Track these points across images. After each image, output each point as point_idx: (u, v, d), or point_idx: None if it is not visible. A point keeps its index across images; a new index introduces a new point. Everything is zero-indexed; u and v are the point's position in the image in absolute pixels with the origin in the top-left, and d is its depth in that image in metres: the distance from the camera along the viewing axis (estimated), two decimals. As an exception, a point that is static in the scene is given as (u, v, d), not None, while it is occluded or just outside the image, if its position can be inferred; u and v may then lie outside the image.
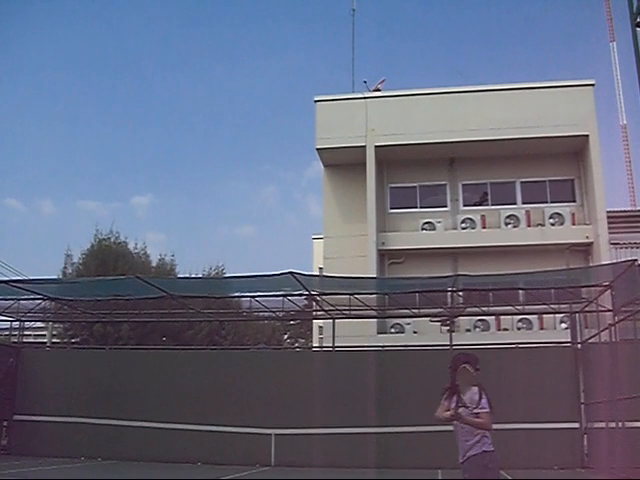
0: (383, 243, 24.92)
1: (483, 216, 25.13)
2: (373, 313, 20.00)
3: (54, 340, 36.08)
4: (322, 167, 27.00)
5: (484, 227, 25.02)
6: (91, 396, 18.69)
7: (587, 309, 18.42)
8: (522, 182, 25.78)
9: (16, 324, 21.83)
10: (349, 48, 30.11)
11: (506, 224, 24.84)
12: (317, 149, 25.84)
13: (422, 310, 19.44)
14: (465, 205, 25.97)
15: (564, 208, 24.82)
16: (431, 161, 25.92)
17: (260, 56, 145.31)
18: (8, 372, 19.34)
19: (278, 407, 17.71)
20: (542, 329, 23.10)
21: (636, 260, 15.23)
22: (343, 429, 17.24)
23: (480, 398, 5.61)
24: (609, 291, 16.82)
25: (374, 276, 22.42)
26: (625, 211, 29.42)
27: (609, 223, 23.57)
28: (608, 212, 23.93)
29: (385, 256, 25.45)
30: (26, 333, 25.33)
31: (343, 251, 25.18)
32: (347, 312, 19.17)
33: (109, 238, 36.40)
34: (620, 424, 13.46)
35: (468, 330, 23.53)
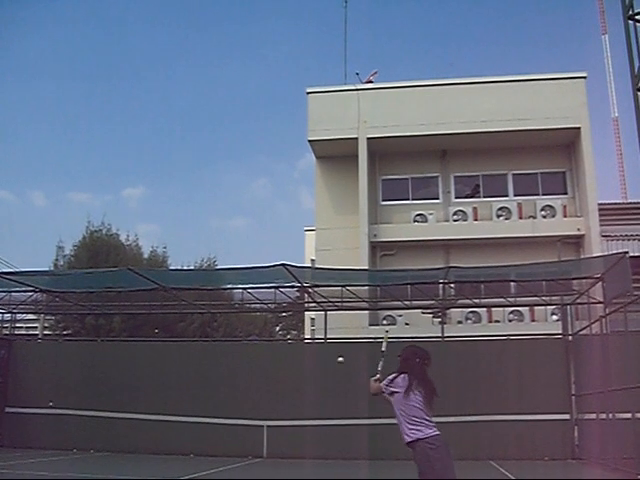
0: (375, 235, 24.94)
1: (475, 208, 25.17)
2: (365, 305, 20.04)
3: (46, 332, 35.97)
4: (314, 159, 26.97)
5: (476, 219, 25.06)
6: (83, 388, 18.68)
7: (578, 301, 18.49)
8: (514, 174, 25.83)
9: (7, 316, 21.80)
10: (341, 40, 30.11)
11: (498, 216, 24.88)
12: (309, 141, 25.81)
13: (414, 302, 19.50)
14: (457, 197, 25.99)
15: (556, 200, 24.88)
16: (423, 153, 25.94)
17: (252, 48, 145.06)
18: (-1, 364, 19.32)
19: (270, 399, 17.75)
20: (533, 321, 23.18)
21: (627, 252, 15.29)
22: (335, 421, 17.29)
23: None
24: (600, 283, 16.88)
25: (366, 268, 22.44)
26: (616, 203, 29.52)
27: (600, 215, 23.63)
28: (599, 204, 23.99)
29: (377, 248, 25.47)
30: (18, 325, 25.31)
31: (335, 243, 25.19)
32: (339, 304, 19.21)
33: (101, 230, 36.32)
34: (611, 415, 13.54)
35: (460, 322, 23.59)
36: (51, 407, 18.50)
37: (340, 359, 12.86)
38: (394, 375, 5.95)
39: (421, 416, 5.70)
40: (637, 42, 12.10)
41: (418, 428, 5.67)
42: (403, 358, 6.01)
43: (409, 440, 5.70)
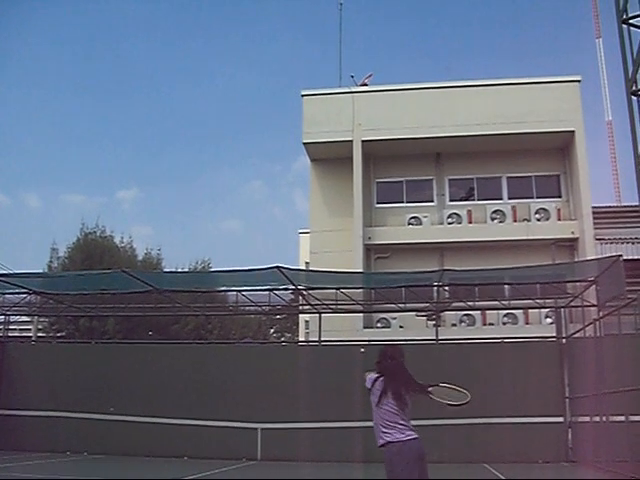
0: (369, 238, 24.96)
1: (469, 211, 25.22)
2: (359, 308, 20.01)
3: (39, 334, 35.97)
4: (309, 161, 26.99)
5: (470, 222, 25.11)
6: (77, 390, 18.62)
7: (572, 304, 18.53)
8: (508, 177, 25.89)
9: (1, 318, 21.71)
10: (336, 42, 30.18)
11: (492, 219, 24.93)
12: (304, 143, 25.82)
13: (408, 305, 19.47)
14: (451, 200, 26.04)
15: (550, 203, 24.94)
16: (418, 156, 25.98)
17: (246, 49, 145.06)
18: (-7, 366, 19.23)
19: (264, 401, 17.70)
20: (527, 324, 23.23)
21: (621, 255, 15.33)
22: (329, 423, 17.26)
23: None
24: (594, 286, 16.92)
25: (360, 271, 22.45)
26: (610, 207, 29.58)
27: (594, 219, 23.71)
28: (593, 208, 24.06)
29: (371, 251, 25.49)
30: (11, 327, 25.20)
31: (329, 246, 25.20)
32: (333, 306, 19.18)
33: (95, 232, 36.35)
34: (604, 418, 13.56)
35: (454, 325, 23.62)
36: (44, 409, 18.44)
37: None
38: (376, 376, 5.91)
39: (394, 420, 5.70)
40: (631, 46, 12.11)
41: (390, 432, 5.69)
42: (377, 362, 5.99)
43: (380, 443, 5.74)
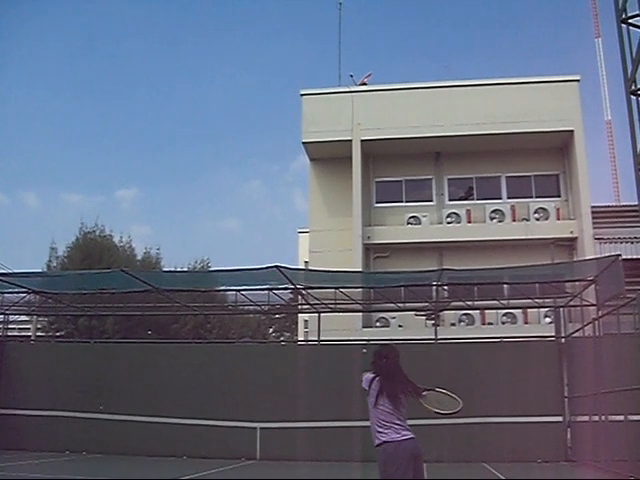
0: (369, 237, 24.94)
1: (468, 210, 25.20)
2: (358, 307, 20.02)
3: (38, 334, 35.93)
4: (308, 161, 26.97)
5: (469, 222, 25.09)
6: (76, 390, 18.60)
7: (571, 303, 18.54)
8: (507, 177, 25.87)
9: (0, 317, 21.70)
10: (336, 42, 30.15)
11: (491, 219, 24.91)
12: (303, 143, 25.80)
13: (407, 304, 19.48)
14: (450, 199, 26.02)
15: (549, 203, 24.93)
16: (417, 155, 25.96)
17: (247, 49, 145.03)
18: (-8, 366, 19.21)
19: (263, 401, 17.70)
20: (526, 323, 23.21)
21: (620, 255, 15.33)
22: (328, 422, 17.26)
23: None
24: (593, 286, 16.92)
25: (360, 270, 22.44)
26: (609, 206, 29.57)
27: (593, 218, 23.69)
28: (592, 207, 24.04)
29: (371, 250, 25.47)
30: (10, 327, 25.18)
31: (329, 245, 25.19)
32: (332, 306, 19.19)
33: (94, 231, 36.33)
34: (603, 417, 13.55)
35: (453, 324, 23.61)
36: (43, 409, 18.42)
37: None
38: (372, 376, 5.88)
39: (390, 420, 5.68)
40: (630, 45, 12.12)
41: (386, 432, 5.66)
42: (372, 362, 5.96)
43: (377, 443, 5.73)
